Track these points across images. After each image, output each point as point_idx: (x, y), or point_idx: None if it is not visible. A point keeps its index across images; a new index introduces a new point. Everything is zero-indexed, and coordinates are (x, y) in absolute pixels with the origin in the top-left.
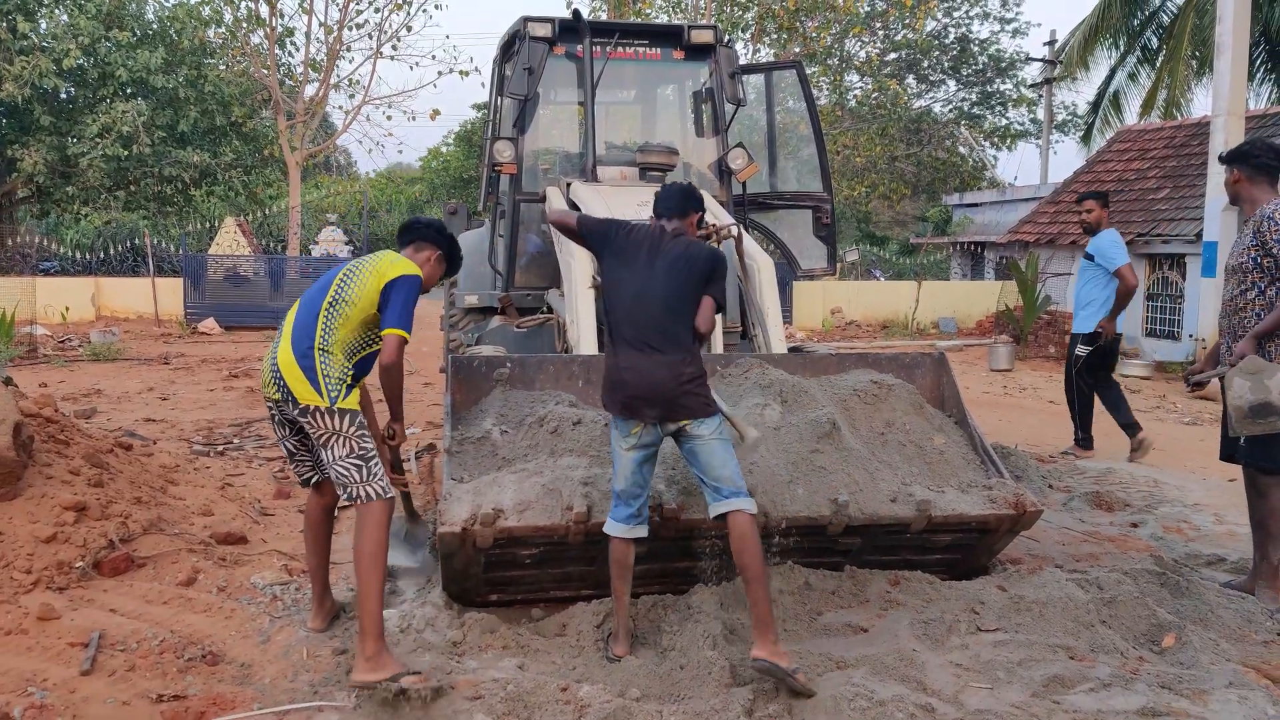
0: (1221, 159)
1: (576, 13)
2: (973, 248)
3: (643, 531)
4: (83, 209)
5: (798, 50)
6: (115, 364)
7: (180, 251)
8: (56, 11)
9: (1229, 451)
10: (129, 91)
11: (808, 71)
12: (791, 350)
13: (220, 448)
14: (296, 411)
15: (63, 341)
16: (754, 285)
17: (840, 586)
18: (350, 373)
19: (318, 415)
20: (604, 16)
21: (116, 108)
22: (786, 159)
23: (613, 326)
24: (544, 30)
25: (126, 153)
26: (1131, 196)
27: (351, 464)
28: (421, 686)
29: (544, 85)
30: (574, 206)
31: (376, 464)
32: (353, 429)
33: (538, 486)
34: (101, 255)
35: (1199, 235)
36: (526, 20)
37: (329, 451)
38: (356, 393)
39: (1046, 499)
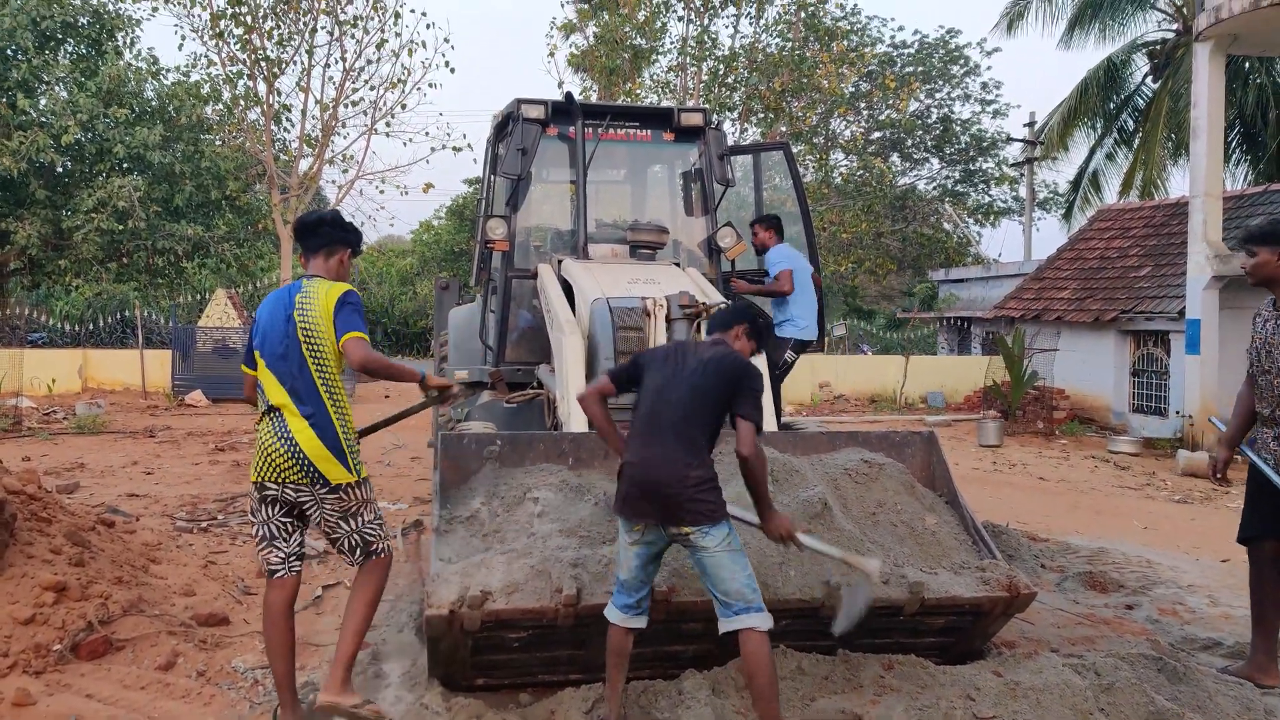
0: (1248, 240)
1: (569, 95)
2: (959, 323)
3: (641, 623)
4: (74, 281)
5: (784, 130)
6: (100, 437)
7: (169, 323)
8: (57, 89)
9: (1249, 534)
10: (125, 166)
11: (794, 149)
12: (782, 427)
13: (204, 524)
14: (325, 491)
15: (48, 414)
16: None
17: (834, 671)
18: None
19: (349, 490)
20: (595, 97)
21: (113, 182)
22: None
23: (632, 424)
24: (537, 112)
25: (121, 227)
26: (1114, 274)
27: (376, 524)
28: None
29: (536, 164)
30: (565, 283)
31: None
32: (371, 492)
33: (526, 568)
34: (90, 327)
35: (1181, 312)
36: (520, 102)
37: (354, 520)
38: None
39: (1039, 579)
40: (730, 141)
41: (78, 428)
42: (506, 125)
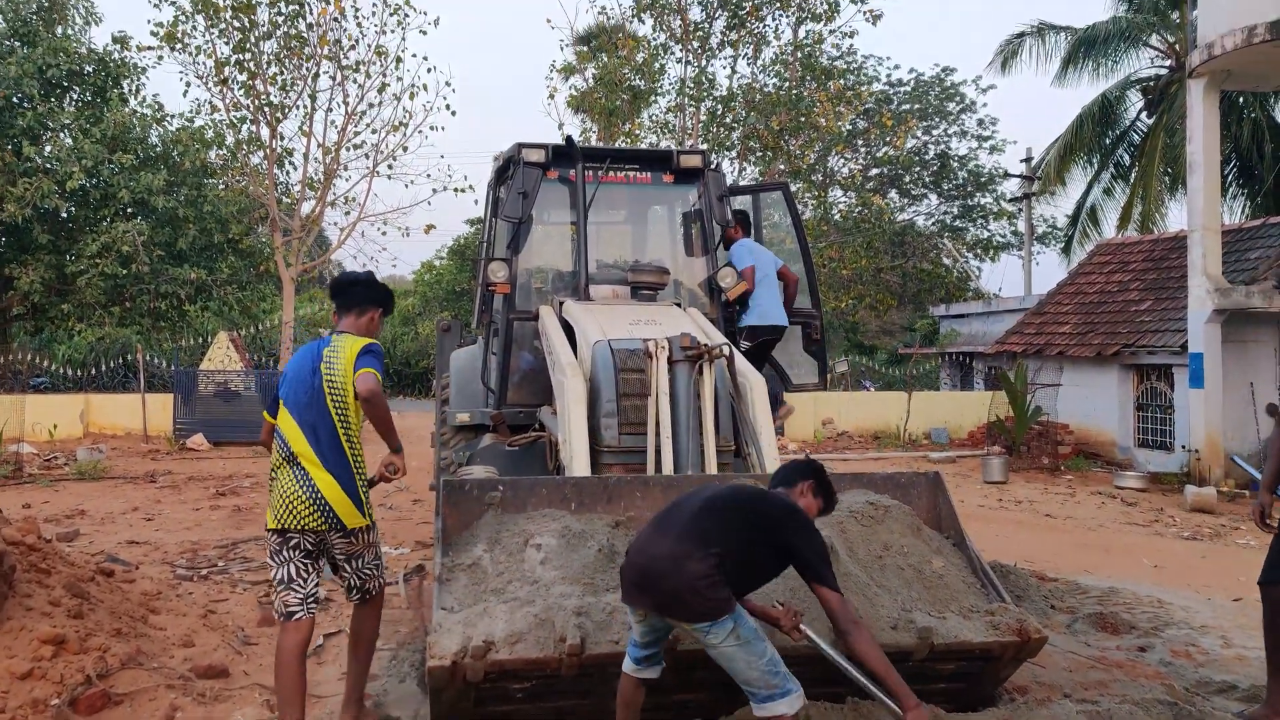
0: None
1: (569, 139)
2: (961, 358)
3: (654, 674)
4: (77, 325)
5: (782, 168)
6: (101, 483)
7: (171, 367)
8: (62, 136)
9: (1273, 578)
10: (129, 211)
11: (793, 187)
12: None
13: (204, 571)
14: (339, 535)
15: (49, 459)
16: (746, 404)
17: (842, 719)
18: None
19: (359, 534)
20: (594, 138)
21: (117, 227)
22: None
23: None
24: (538, 156)
25: (125, 271)
26: (1115, 308)
27: (374, 564)
28: None
29: (538, 207)
30: (566, 325)
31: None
32: (378, 535)
33: (530, 617)
34: (92, 371)
35: (1184, 346)
36: (521, 146)
37: (356, 561)
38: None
39: (1050, 621)
40: (729, 180)
41: (79, 474)
42: (507, 169)
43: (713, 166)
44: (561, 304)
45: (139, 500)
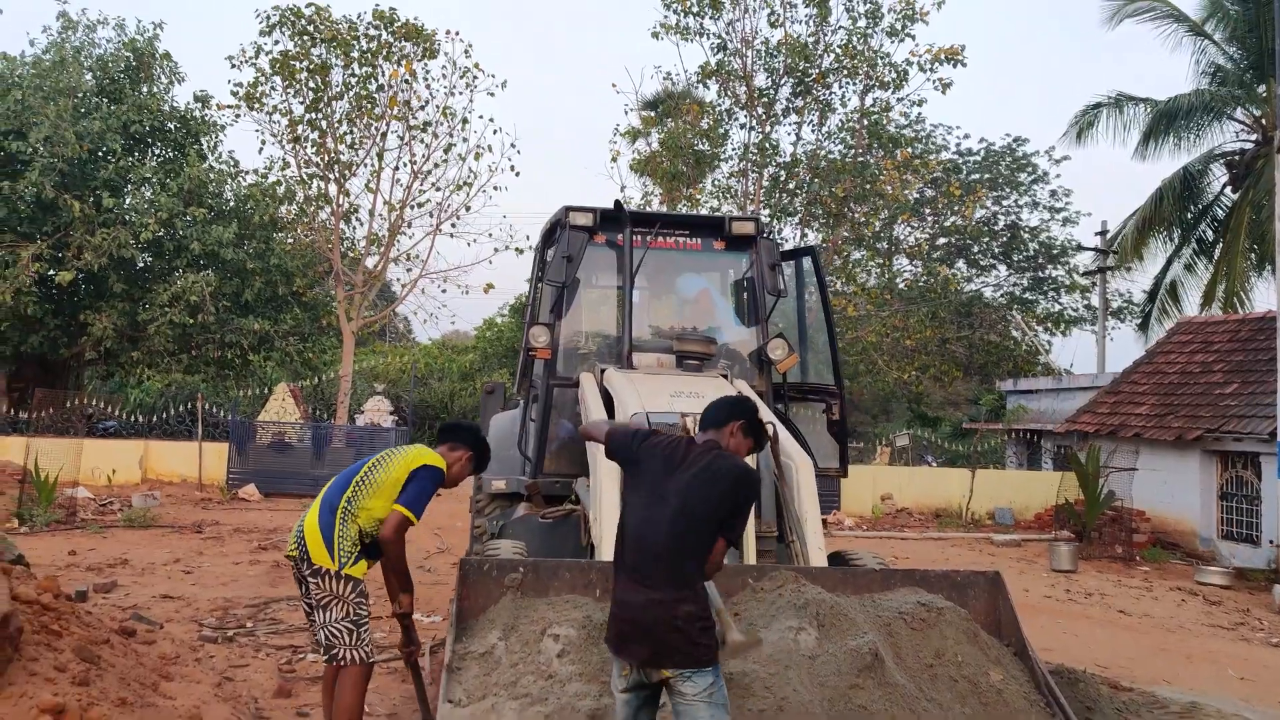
0: None
1: (618, 203)
2: (1029, 435)
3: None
4: (146, 372)
5: (846, 235)
6: (148, 531)
7: (229, 416)
8: (142, 189)
9: None
10: (200, 262)
11: (856, 255)
12: (831, 558)
13: (230, 633)
14: (308, 571)
15: (105, 504)
16: (791, 487)
17: None
18: (362, 544)
19: (325, 577)
20: (656, 201)
21: (187, 278)
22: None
23: (619, 550)
24: (585, 219)
25: (192, 320)
26: (1197, 390)
27: (345, 627)
28: None
29: (584, 270)
30: (606, 394)
31: (366, 631)
32: (353, 595)
33: (539, 717)
34: (155, 418)
35: (1273, 434)
36: (568, 210)
37: (326, 613)
38: (364, 564)
39: None
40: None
41: (128, 521)
42: (554, 232)
43: (765, 234)
44: (603, 371)
45: (182, 551)
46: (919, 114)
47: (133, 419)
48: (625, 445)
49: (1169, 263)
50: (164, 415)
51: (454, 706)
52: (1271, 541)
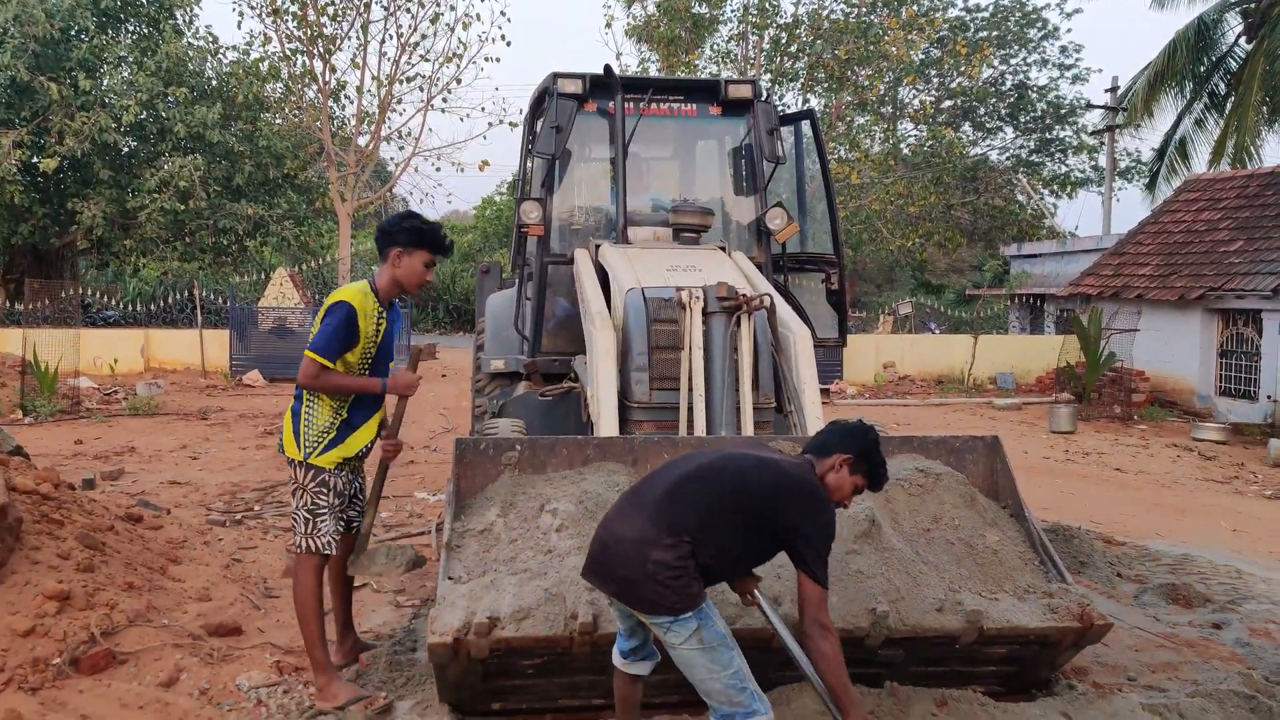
0: None
1: (608, 68)
2: (1032, 300)
3: (644, 670)
4: (140, 260)
5: (849, 99)
6: (154, 419)
7: (229, 303)
8: (118, 69)
9: None
10: (186, 146)
11: (860, 120)
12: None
13: (238, 516)
14: (286, 460)
15: (109, 394)
16: (789, 358)
17: (879, 705)
18: (338, 423)
19: (294, 466)
20: (654, 68)
21: (174, 162)
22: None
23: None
24: (574, 87)
25: (183, 206)
26: (1201, 248)
27: (302, 516)
28: (368, 710)
29: (577, 142)
30: (601, 270)
31: (324, 522)
32: (313, 484)
33: (539, 591)
34: (155, 306)
35: (1276, 290)
36: (556, 76)
37: (293, 500)
38: (336, 453)
39: (1116, 591)
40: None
41: (133, 409)
42: (543, 101)
43: (763, 98)
44: (598, 247)
45: (188, 438)
46: None
47: (132, 308)
48: None
49: (1179, 119)
50: (163, 303)
51: (454, 583)
52: (1269, 396)
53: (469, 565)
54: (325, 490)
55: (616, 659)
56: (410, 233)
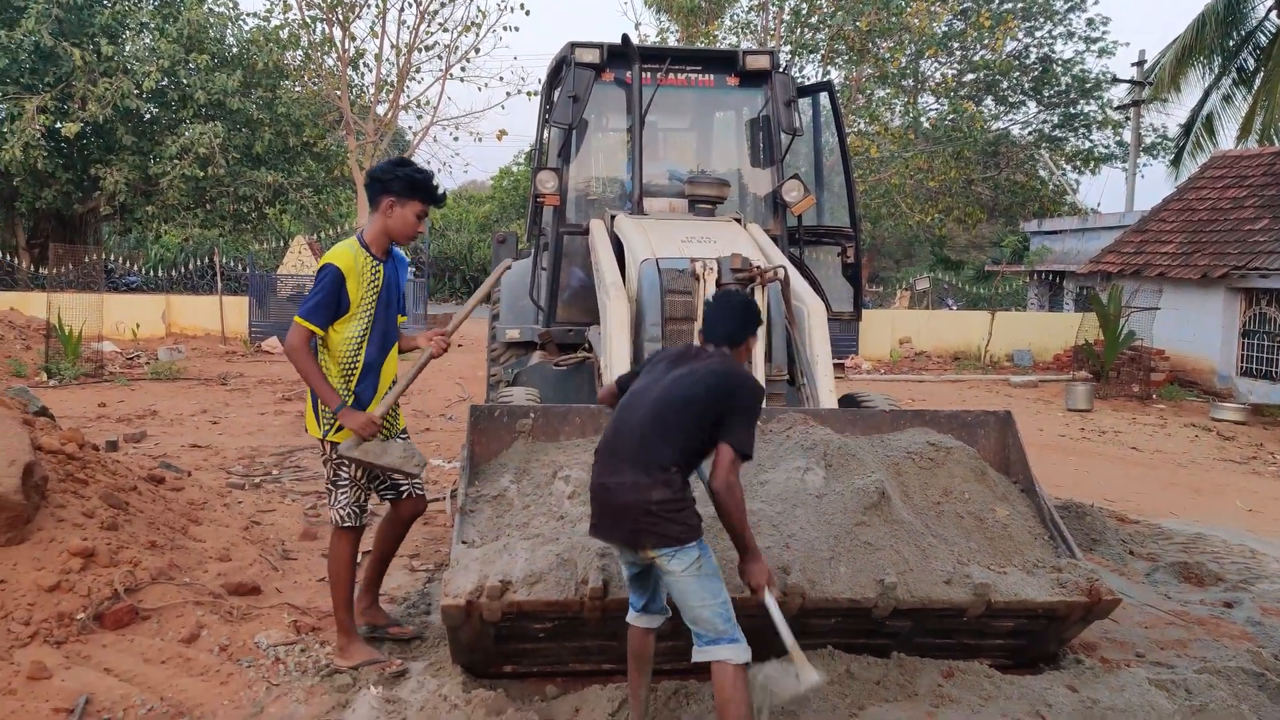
0: None
1: (625, 38)
2: (1051, 277)
3: (657, 623)
4: (162, 227)
5: (870, 72)
6: (175, 383)
7: (248, 270)
8: (140, 35)
9: None
10: (206, 113)
11: (880, 93)
12: (843, 401)
13: (257, 479)
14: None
15: (131, 358)
16: (802, 330)
17: (886, 676)
18: (348, 401)
19: (320, 444)
20: (674, 39)
21: (195, 129)
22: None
23: (603, 431)
24: (591, 56)
25: (203, 173)
26: (1226, 226)
27: (326, 488)
28: (383, 672)
29: (593, 112)
30: (616, 241)
31: (345, 495)
32: (335, 458)
33: (551, 556)
34: (174, 273)
35: None
36: (573, 45)
37: (326, 470)
38: (347, 430)
39: (1127, 568)
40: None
41: (154, 374)
42: (560, 71)
43: (781, 68)
44: (614, 218)
45: (209, 402)
46: None
47: (154, 274)
48: (628, 377)
49: (1206, 94)
50: (184, 270)
51: (468, 547)
52: None
53: (482, 530)
54: (344, 464)
55: (631, 615)
56: (404, 181)
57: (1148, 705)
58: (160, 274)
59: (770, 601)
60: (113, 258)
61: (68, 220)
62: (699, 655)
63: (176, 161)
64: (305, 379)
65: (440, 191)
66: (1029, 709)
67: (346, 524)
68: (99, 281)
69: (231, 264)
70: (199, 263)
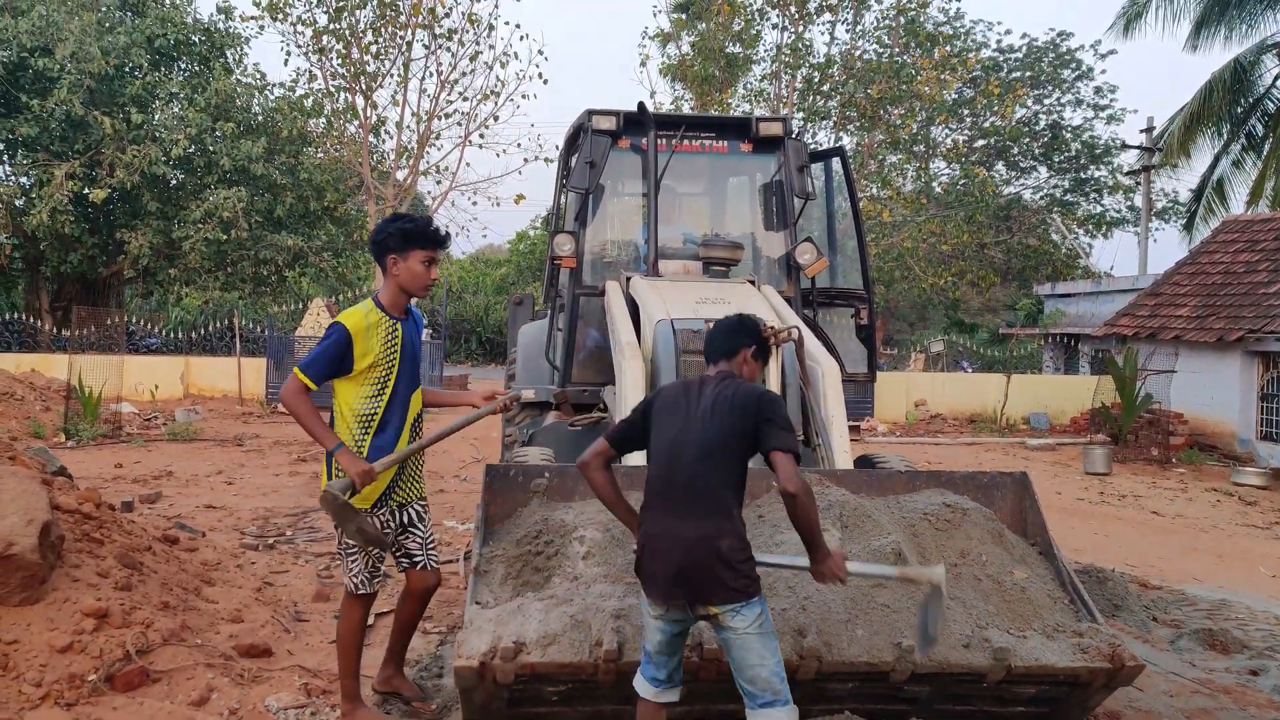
0: None
1: (641, 105)
2: (1066, 340)
3: (674, 697)
4: (183, 289)
5: (881, 138)
6: (192, 444)
7: (266, 332)
8: (170, 104)
9: None
10: (231, 179)
11: (892, 159)
12: (858, 462)
13: (271, 540)
14: None
15: (149, 419)
16: (816, 391)
17: None
18: (366, 438)
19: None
20: (689, 106)
21: (219, 194)
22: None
23: (647, 487)
24: (608, 123)
25: (226, 237)
26: (1240, 290)
27: (339, 552)
28: None
29: (609, 177)
30: (632, 302)
31: (355, 561)
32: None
33: (565, 617)
34: (195, 335)
35: None
36: (591, 113)
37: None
38: (367, 492)
39: (1151, 635)
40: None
41: (171, 435)
42: (578, 137)
43: (793, 135)
44: (629, 280)
45: (224, 463)
46: (958, 9)
47: (174, 336)
48: (630, 425)
49: (1216, 160)
50: (203, 332)
51: (481, 608)
52: None
53: (496, 591)
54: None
55: (645, 689)
56: (398, 235)
57: None
58: (180, 336)
59: (855, 566)
60: (134, 320)
61: (91, 283)
62: (756, 718)
63: (200, 225)
64: (299, 422)
65: (440, 232)
66: None
67: (360, 591)
68: (120, 343)
69: (251, 326)
70: (218, 324)
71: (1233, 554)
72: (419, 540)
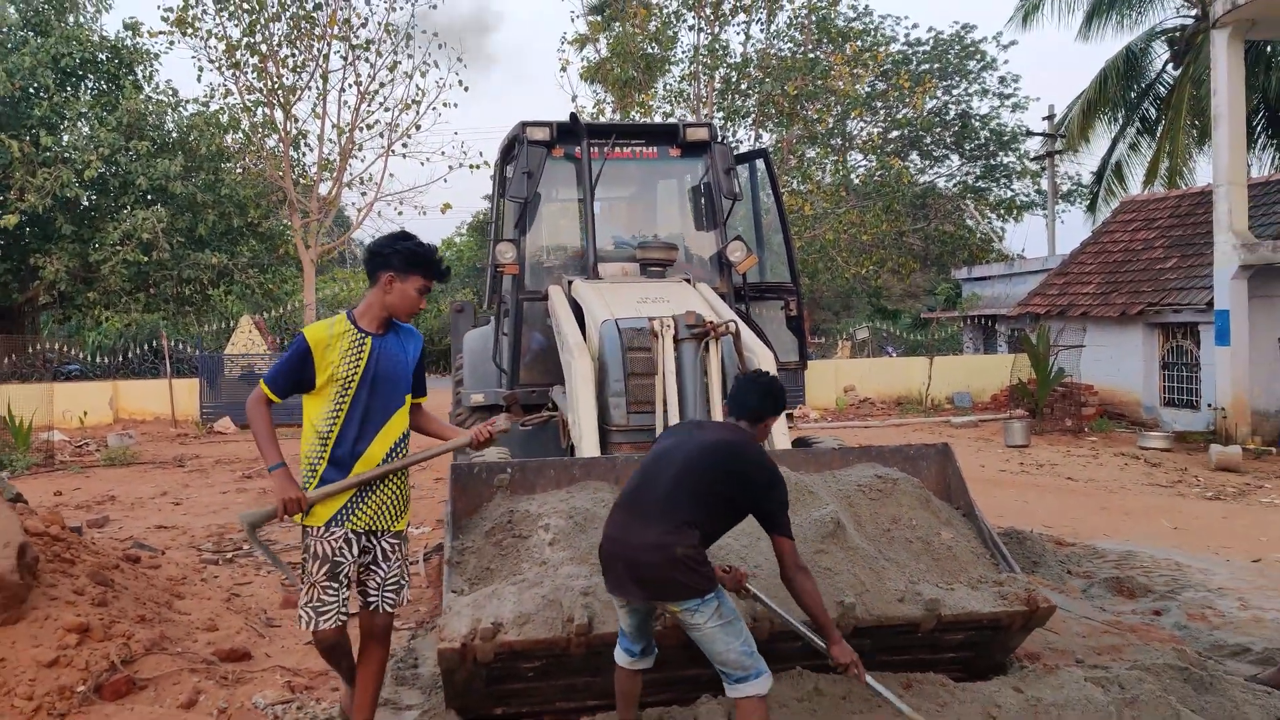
0: None
1: (574, 116)
2: (984, 321)
3: (648, 663)
4: (104, 313)
5: (799, 133)
6: (130, 468)
7: (196, 351)
8: (79, 124)
9: None
10: (149, 198)
11: (811, 153)
12: (795, 443)
13: (229, 555)
14: None
15: (80, 446)
16: None
17: (851, 691)
18: (322, 461)
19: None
20: (609, 109)
21: (137, 215)
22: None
23: (624, 486)
24: (542, 134)
25: (147, 258)
26: (1140, 266)
27: (300, 582)
28: None
29: (545, 185)
30: (575, 305)
31: (306, 594)
32: (302, 547)
33: (538, 598)
34: (122, 358)
35: (1210, 304)
36: (525, 125)
37: None
38: (319, 510)
39: (1065, 586)
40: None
41: (108, 460)
42: (513, 148)
43: (720, 139)
44: (571, 283)
45: (167, 485)
46: (866, 5)
47: (95, 361)
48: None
49: (1114, 143)
50: (126, 355)
51: (457, 596)
52: (1210, 405)
53: (470, 579)
54: (306, 553)
55: (623, 659)
56: (404, 256)
57: (1085, 699)
58: (102, 360)
59: (870, 680)
60: (51, 346)
61: (5, 311)
62: (732, 693)
63: (119, 248)
64: (252, 432)
65: (443, 264)
66: (981, 711)
67: (308, 627)
68: (43, 371)
69: (179, 346)
70: (141, 347)
71: (1138, 511)
72: (378, 580)
